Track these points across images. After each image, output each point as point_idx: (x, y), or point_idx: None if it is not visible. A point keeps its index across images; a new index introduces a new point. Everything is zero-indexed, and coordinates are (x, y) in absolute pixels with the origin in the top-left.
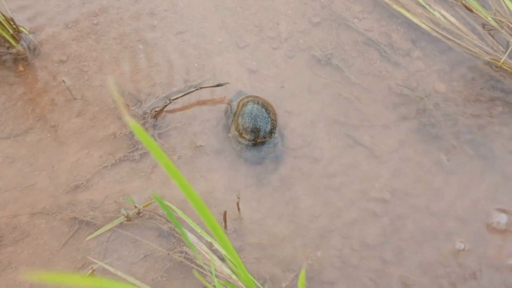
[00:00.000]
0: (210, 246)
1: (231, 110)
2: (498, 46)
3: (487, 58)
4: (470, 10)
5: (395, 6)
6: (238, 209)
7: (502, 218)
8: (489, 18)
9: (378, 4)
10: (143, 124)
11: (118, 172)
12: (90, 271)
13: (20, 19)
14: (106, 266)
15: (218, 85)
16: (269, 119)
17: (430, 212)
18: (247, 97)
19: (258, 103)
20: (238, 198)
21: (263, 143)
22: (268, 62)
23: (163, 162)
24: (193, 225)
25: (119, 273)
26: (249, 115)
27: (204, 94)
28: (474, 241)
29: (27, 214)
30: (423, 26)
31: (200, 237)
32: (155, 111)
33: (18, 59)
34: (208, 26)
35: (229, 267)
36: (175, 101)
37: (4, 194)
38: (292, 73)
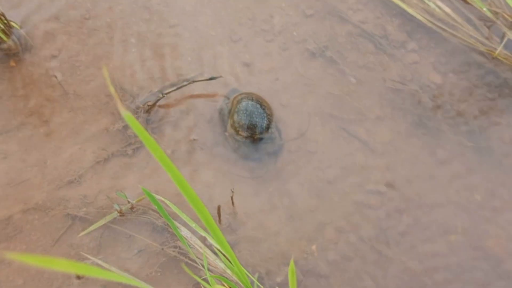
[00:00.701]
0: (204, 240)
1: (225, 108)
2: (493, 37)
3: (483, 49)
4: (466, 1)
5: None
6: (233, 203)
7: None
8: (484, 9)
9: None
10: (136, 119)
11: (111, 167)
12: None
13: (11, 14)
14: (100, 262)
15: (211, 79)
16: (265, 114)
17: (425, 204)
18: (241, 94)
19: (252, 99)
20: (232, 192)
21: (260, 139)
22: (262, 55)
23: (158, 155)
24: (187, 219)
25: (113, 269)
26: (244, 111)
27: (198, 88)
28: (470, 232)
29: (20, 210)
30: (418, 17)
31: (194, 232)
32: (148, 105)
33: (10, 54)
34: (201, 20)
35: (223, 261)
36: (168, 95)
37: None
38: (286, 66)
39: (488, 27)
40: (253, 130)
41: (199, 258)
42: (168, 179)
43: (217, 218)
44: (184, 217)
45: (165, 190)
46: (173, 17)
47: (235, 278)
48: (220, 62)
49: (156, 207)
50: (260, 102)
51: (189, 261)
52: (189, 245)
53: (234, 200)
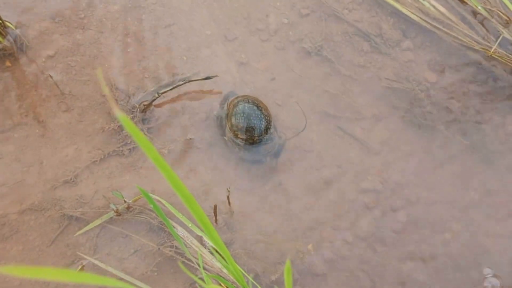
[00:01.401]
0: (200, 240)
1: (222, 112)
2: (488, 36)
3: (478, 47)
4: (460, 0)
5: None
6: (229, 202)
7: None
8: (479, 7)
9: None
10: (132, 119)
11: (107, 167)
12: (80, 266)
13: (6, 14)
14: (96, 262)
15: (207, 78)
16: (263, 116)
17: (422, 202)
18: (237, 97)
19: (248, 101)
20: (228, 191)
21: (260, 141)
22: (258, 54)
23: (152, 155)
24: (183, 219)
25: (109, 269)
26: (242, 114)
27: (193, 88)
28: (466, 230)
29: (16, 210)
30: (413, 16)
31: (190, 231)
32: (144, 105)
33: (5, 54)
34: (196, 19)
35: (220, 261)
36: (164, 95)
37: None
38: (282, 65)
39: (483, 25)
40: (251, 132)
41: (195, 258)
42: (164, 179)
43: (214, 218)
44: (180, 216)
45: (162, 190)
46: (168, 16)
47: (231, 277)
48: (215, 62)
49: (151, 206)
50: (257, 104)
51: (186, 261)
52: (186, 245)
53: (230, 200)
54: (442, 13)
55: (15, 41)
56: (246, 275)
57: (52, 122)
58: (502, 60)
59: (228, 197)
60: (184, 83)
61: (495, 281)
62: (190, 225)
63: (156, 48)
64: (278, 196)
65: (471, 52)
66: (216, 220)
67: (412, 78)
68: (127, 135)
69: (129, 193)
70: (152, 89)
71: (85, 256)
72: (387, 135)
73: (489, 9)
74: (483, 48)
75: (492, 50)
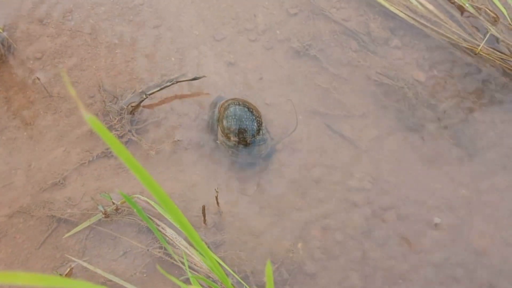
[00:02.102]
0: (189, 241)
1: (214, 116)
2: (476, 33)
3: (465, 45)
4: None
5: None
6: (217, 203)
7: None
8: (467, 5)
9: None
10: (120, 120)
11: (96, 169)
12: (68, 269)
13: None
14: (85, 264)
15: (194, 79)
16: (254, 118)
17: (411, 200)
18: (227, 101)
19: (239, 104)
20: (217, 192)
21: (253, 142)
22: (246, 54)
23: (124, 156)
24: (172, 220)
25: (98, 271)
26: (233, 117)
27: (182, 88)
28: (456, 228)
29: (5, 213)
30: (400, 14)
31: (180, 232)
32: (132, 106)
33: None
34: (184, 19)
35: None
36: (152, 95)
37: None
38: (270, 65)
39: (471, 23)
40: (244, 134)
41: (183, 258)
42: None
43: (202, 219)
44: (169, 217)
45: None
46: (156, 17)
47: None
48: (204, 62)
49: (135, 210)
50: (248, 106)
51: (175, 262)
52: (175, 246)
53: (219, 200)
54: (430, 11)
55: (2, 43)
56: (235, 275)
57: (40, 124)
58: (489, 58)
59: (216, 198)
60: (172, 83)
61: None
62: (179, 226)
63: (144, 49)
64: (268, 196)
65: (459, 49)
66: (204, 221)
67: (401, 76)
68: (115, 136)
69: (118, 195)
70: (140, 91)
71: (73, 259)
72: (376, 133)
73: (477, 7)
74: (471, 46)
75: (479, 48)
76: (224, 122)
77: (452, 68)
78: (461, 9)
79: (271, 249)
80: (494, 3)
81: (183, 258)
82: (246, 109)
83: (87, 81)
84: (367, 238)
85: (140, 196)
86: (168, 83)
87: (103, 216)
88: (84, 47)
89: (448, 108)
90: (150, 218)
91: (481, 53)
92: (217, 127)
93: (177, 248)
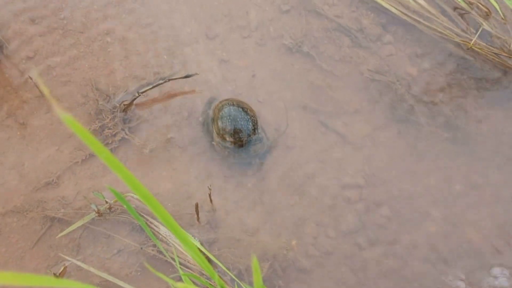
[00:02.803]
0: None
1: (208, 118)
2: (468, 28)
3: (458, 40)
4: None
5: None
6: (211, 200)
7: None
8: (459, 0)
9: None
10: (113, 119)
11: (89, 167)
12: (62, 268)
13: None
14: (79, 263)
15: (187, 76)
16: (249, 117)
17: (404, 196)
18: (221, 101)
19: (233, 104)
20: (210, 189)
21: (248, 142)
22: (239, 52)
23: (103, 156)
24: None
25: (92, 269)
26: (228, 117)
27: (174, 86)
28: (450, 223)
29: None
30: (392, 10)
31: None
32: (125, 104)
33: None
34: (176, 17)
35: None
36: (145, 94)
37: None
38: (263, 62)
39: (463, 18)
40: (239, 134)
41: (179, 257)
42: (147, 178)
43: (196, 216)
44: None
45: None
46: (148, 15)
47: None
48: (196, 60)
49: (126, 207)
50: (242, 106)
51: (168, 260)
52: (168, 244)
53: (212, 197)
54: (422, 6)
55: None
56: (229, 272)
57: (33, 123)
58: (482, 52)
59: (209, 195)
60: (165, 81)
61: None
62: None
63: (137, 47)
64: (261, 193)
65: (452, 44)
66: (198, 219)
67: (393, 72)
68: (108, 135)
69: (111, 193)
70: (132, 89)
71: (67, 258)
72: (369, 129)
73: (469, 1)
74: (463, 41)
75: (472, 42)
76: (219, 123)
77: (444, 63)
78: (453, 4)
79: (265, 246)
80: None
81: (177, 255)
82: (241, 109)
83: (80, 80)
84: (361, 234)
85: (132, 194)
86: (161, 81)
87: (97, 215)
88: (76, 46)
89: (441, 103)
90: (143, 217)
91: (474, 48)
92: (212, 128)
93: (170, 246)
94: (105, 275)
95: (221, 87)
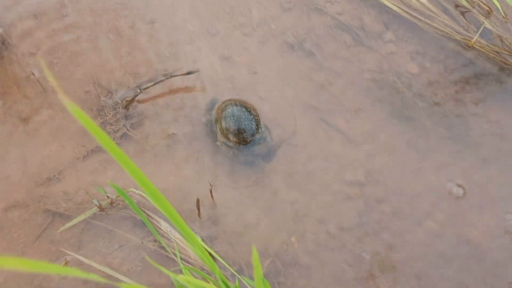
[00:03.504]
0: (183, 234)
1: (212, 119)
2: (470, 26)
3: (459, 38)
4: None
5: None
6: (212, 196)
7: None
8: None
9: None
10: (115, 115)
11: (91, 163)
12: (64, 262)
13: None
14: (80, 257)
15: (188, 73)
16: (252, 117)
17: (405, 193)
18: (223, 102)
19: (236, 104)
20: (211, 185)
21: (252, 141)
22: (240, 49)
23: (108, 146)
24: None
25: (94, 264)
26: (231, 117)
27: (176, 83)
28: (450, 221)
29: (0, 207)
30: (394, 8)
31: (174, 226)
32: (127, 101)
33: None
34: (178, 15)
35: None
36: (146, 90)
37: None
38: (264, 59)
39: (464, 16)
40: (243, 134)
41: (180, 252)
42: (148, 174)
43: (197, 212)
44: (163, 211)
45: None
46: (150, 12)
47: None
48: (198, 57)
49: (127, 201)
50: (245, 106)
51: (169, 255)
52: (169, 239)
53: (213, 194)
54: (423, 4)
55: None
56: (230, 268)
57: (35, 119)
58: (483, 50)
59: (211, 191)
60: (166, 78)
61: None
62: (165, 213)
63: (139, 44)
64: (262, 189)
65: (453, 43)
66: (199, 214)
67: (395, 70)
68: (110, 131)
69: (113, 188)
70: (134, 85)
71: (69, 252)
72: (370, 127)
73: (470, 0)
74: (465, 39)
75: (473, 41)
76: (223, 123)
77: (445, 61)
78: (455, 2)
79: (265, 242)
80: None
81: (178, 251)
82: (244, 109)
83: (82, 76)
84: (361, 231)
85: (134, 190)
86: (163, 78)
87: (98, 210)
88: (78, 42)
89: (442, 101)
90: (145, 212)
91: (475, 46)
92: (216, 128)
93: (171, 241)
94: (106, 270)
95: (222, 84)
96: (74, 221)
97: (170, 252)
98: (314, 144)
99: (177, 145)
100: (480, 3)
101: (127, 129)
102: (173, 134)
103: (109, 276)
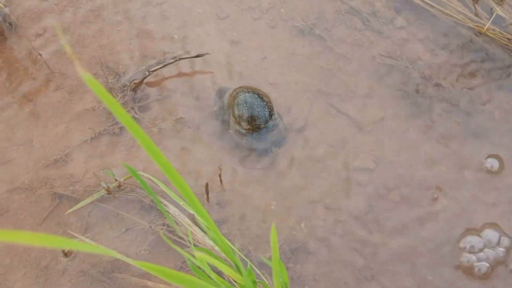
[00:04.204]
0: (192, 218)
1: (223, 107)
2: (482, 13)
3: (471, 25)
4: None
5: None
6: (220, 180)
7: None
8: None
9: None
10: (123, 97)
11: (98, 146)
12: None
13: None
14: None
15: (198, 56)
16: (265, 104)
17: (415, 181)
18: (235, 90)
19: (248, 91)
20: (220, 169)
21: (266, 128)
22: (250, 33)
23: (125, 121)
24: (175, 197)
25: (101, 247)
26: (244, 104)
27: (185, 66)
28: (461, 209)
29: (6, 189)
30: None
31: (182, 210)
32: (135, 83)
33: None
34: None
35: (212, 239)
36: (154, 73)
37: None
38: (274, 44)
39: (477, 3)
40: (256, 121)
41: (187, 236)
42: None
43: (205, 196)
44: (172, 194)
45: (153, 169)
46: None
47: (223, 255)
48: (207, 40)
49: (139, 182)
50: (257, 92)
51: (177, 239)
52: (177, 223)
53: (222, 178)
54: None
55: (3, 19)
56: (238, 252)
57: (42, 101)
58: (495, 37)
59: (220, 175)
60: (175, 61)
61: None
62: (181, 203)
63: (147, 26)
64: (271, 175)
65: (465, 29)
66: (207, 198)
67: (405, 56)
68: None
69: (120, 171)
70: (142, 68)
71: (76, 235)
72: (380, 113)
73: None
74: (477, 26)
75: (485, 28)
76: (235, 110)
77: (457, 48)
78: None
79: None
80: None
81: (186, 235)
82: (256, 96)
83: (89, 58)
84: (370, 218)
85: (142, 173)
86: (171, 60)
87: (106, 192)
88: (86, 24)
89: (453, 88)
90: (152, 196)
91: (487, 33)
92: (229, 117)
93: (180, 226)
94: (114, 253)
95: (231, 68)
96: (82, 203)
97: (181, 233)
98: (323, 129)
99: (185, 129)
100: None
101: (135, 111)
102: (181, 118)
103: (116, 260)
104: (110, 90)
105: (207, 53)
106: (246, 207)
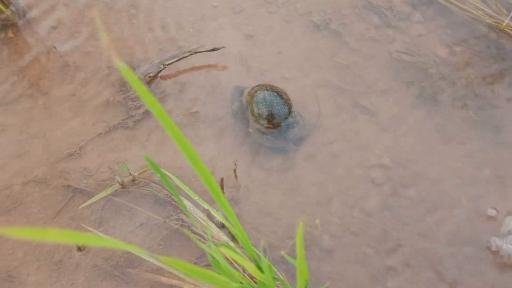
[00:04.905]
0: (208, 213)
1: (242, 106)
2: (500, 9)
3: (490, 21)
4: None
5: None
6: (235, 176)
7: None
8: None
9: None
10: None
11: (112, 139)
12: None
13: None
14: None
15: (213, 50)
16: (284, 101)
17: (431, 178)
18: (253, 88)
19: (267, 89)
20: (235, 164)
21: (286, 126)
22: (265, 27)
23: (156, 110)
24: (190, 192)
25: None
26: (263, 102)
27: (200, 60)
28: (476, 207)
29: (20, 182)
30: None
31: (197, 205)
32: (149, 77)
33: (8, 25)
34: None
35: (227, 234)
36: (169, 66)
37: None
38: (289, 39)
39: None
40: (276, 119)
41: (203, 231)
42: (170, 152)
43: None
44: (186, 190)
45: (167, 163)
46: None
47: (239, 250)
48: (222, 34)
49: (158, 175)
50: (276, 90)
51: (192, 234)
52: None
53: (237, 173)
54: None
55: (18, 11)
56: (254, 248)
57: (56, 94)
58: None
59: (235, 170)
60: (190, 54)
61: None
62: (196, 198)
63: (162, 20)
64: (286, 171)
65: (483, 26)
66: (222, 193)
67: (423, 52)
68: (131, 107)
69: (134, 166)
70: (157, 61)
71: (89, 229)
72: (396, 110)
73: None
74: (495, 22)
75: (504, 24)
76: (255, 109)
77: (475, 45)
78: None
79: (288, 224)
80: None
81: (201, 230)
82: (275, 93)
83: (104, 51)
84: (385, 216)
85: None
86: (186, 54)
87: (120, 186)
88: (101, 17)
89: (471, 85)
90: (168, 191)
91: (506, 29)
92: (248, 115)
93: (195, 221)
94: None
95: (246, 62)
96: (96, 197)
97: (198, 227)
98: (338, 126)
99: (200, 123)
100: None
101: None
102: (196, 112)
103: (130, 254)
104: (124, 83)
105: (223, 47)
106: (260, 203)
